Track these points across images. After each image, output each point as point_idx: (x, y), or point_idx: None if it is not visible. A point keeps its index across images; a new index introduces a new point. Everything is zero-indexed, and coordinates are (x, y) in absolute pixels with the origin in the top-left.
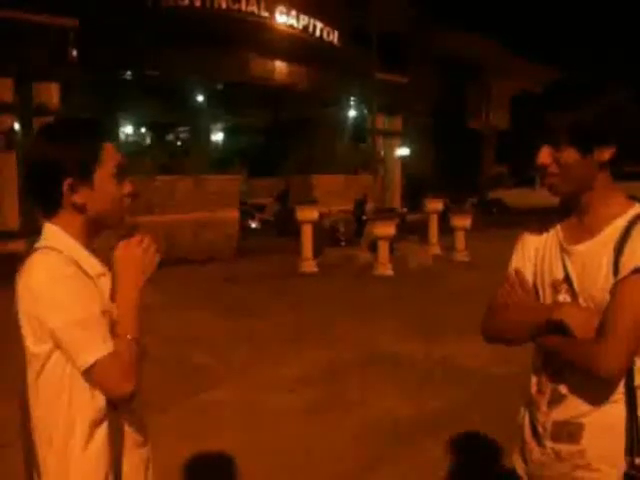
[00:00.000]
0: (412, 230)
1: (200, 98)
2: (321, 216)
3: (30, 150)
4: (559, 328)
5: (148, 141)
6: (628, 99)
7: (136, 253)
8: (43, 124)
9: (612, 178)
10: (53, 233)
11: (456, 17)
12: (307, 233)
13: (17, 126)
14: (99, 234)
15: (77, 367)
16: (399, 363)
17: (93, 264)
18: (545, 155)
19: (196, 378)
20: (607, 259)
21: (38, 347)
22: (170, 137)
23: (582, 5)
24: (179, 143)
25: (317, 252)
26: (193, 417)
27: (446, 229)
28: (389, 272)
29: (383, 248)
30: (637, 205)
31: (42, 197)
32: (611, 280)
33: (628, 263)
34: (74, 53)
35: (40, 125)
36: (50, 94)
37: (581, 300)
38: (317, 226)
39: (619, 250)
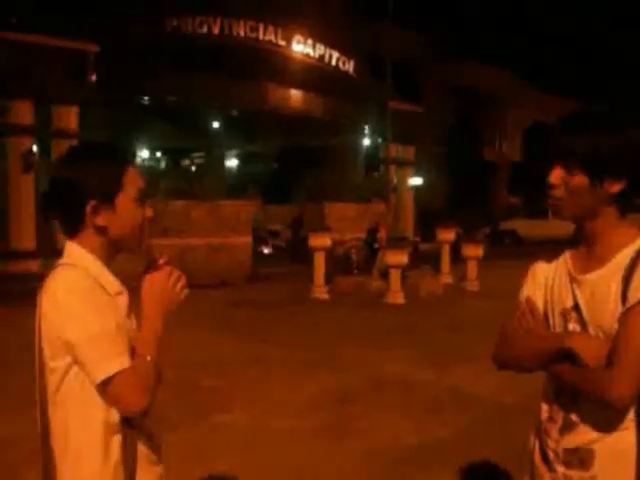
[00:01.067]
0: (424, 259)
1: (216, 124)
2: (334, 244)
3: (55, 172)
4: (570, 357)
5: (163, 166)
6: None
7: (165, 287)
8: (69, 146)
9: (620, 212)
10: (74, 251)
11: (470, 48)
12: (319, 260)
13: (35, 148)
14: (118, 255)
15: (92, 380)
16: (408, 390)
17: (112, 282)
18: (556, 175)
19: (206, 400)
20: (615, 288)
21: (56, 362)
22: (185, 162)
23: (597, 37)
24: (194, 168)
25: (329, 279)
26: (202, 439)
27: (458, 259)
28: (400, 300)
29: (395, 276)
30: None
31: (65, 217)
32: (620, 309)
33: (636, 292)
34: (93, 77)
35: (64, 148)
36: (69, 117)
37: (590, 329)
38: (330, 253)
39: (627, 279)
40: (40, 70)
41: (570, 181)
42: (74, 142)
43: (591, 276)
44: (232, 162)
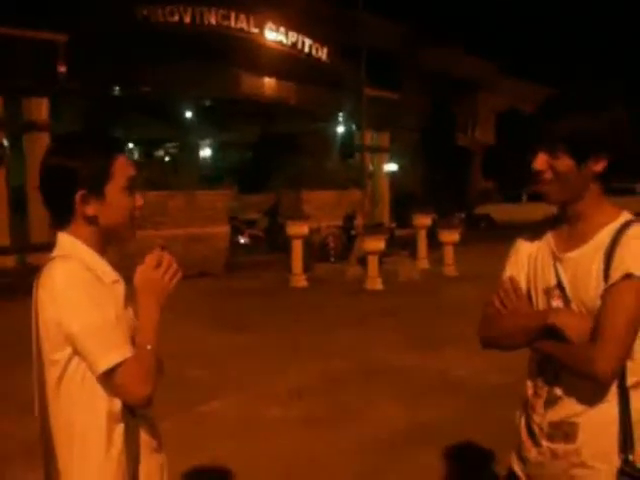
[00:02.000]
0: (401, 245)
1: (189, 114)
2: (311, 231)
3: (44, 161)
4: (554, 333)
5: (136, 157)
6: (625, 114)
7: (154, 277)
8: (57, 136)
9: (602, 189)
10: (67, 242)
11: (445, 34)
12: (297, 248)
13: (6, 142)
14: (111, 244)
15: (94, 371)
16: (395, 374)
17: (107, 271)
18: (541, 161)
19: (192, 391)
20: (597, 265)
21: (57, 354)
22: (159, 153)
23: (573, 24)
24: (167, 159)
25: (307, 267)
26: (190, 429)
27: (435, 244)
28: (379, 286)
29: (373, 263)
30: (625, 213)
31: (55, 208)
32: (602, 286)
33: (618, 269)
34: (64, 68)
35: (35, 140)
36: (39, 109)
37: (573, 305)
38: (307, 241)
39: (609, 256)
40: (8, 62)
41: (555, 165)
42: (45, 135)
43: (573, 254)
44: (206, 152)
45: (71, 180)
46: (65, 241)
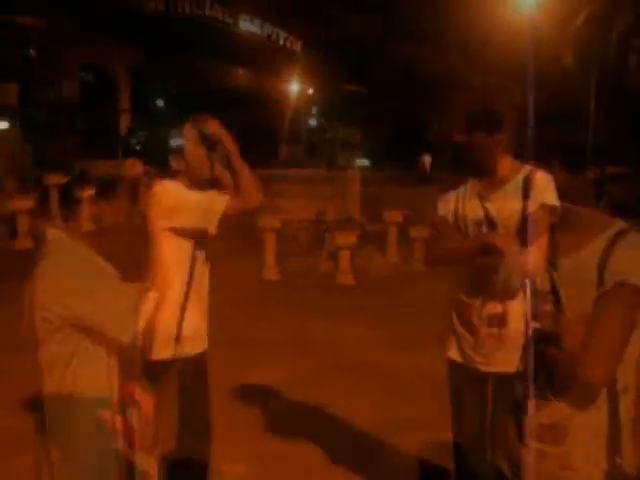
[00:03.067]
0: (371, 240)
1: (160, 102)
2: (283, 224)
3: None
4: (545, 337)
5: None
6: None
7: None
8: (68, 134)
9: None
10: (65, 234)
11: (416, 30)
12: (270, 241)
13: None
14: (111, 242)
15: (117, 341)
16: (369, 371)
17: (102, 266)
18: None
19: None
20: (591, 272)
21: (52, 340)
22: (132, 141)
23: None
24: (138, 147)
25: (278, 260)
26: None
27: (405, 239)
28: (351, 281)
29: (344, 257)
30: (618, 221)
31: (62, 203)
32: (595, 292)
33: (611, 276)
34: (35, 53)
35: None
36: (10, 94)
37: (567, 311)
38: (279, 234)
39: (603, 264)
40: None
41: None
42: (15, 121)
43: (568, 260)
44: (177, 141)
45: (81, 180)
46: (63, 233)
